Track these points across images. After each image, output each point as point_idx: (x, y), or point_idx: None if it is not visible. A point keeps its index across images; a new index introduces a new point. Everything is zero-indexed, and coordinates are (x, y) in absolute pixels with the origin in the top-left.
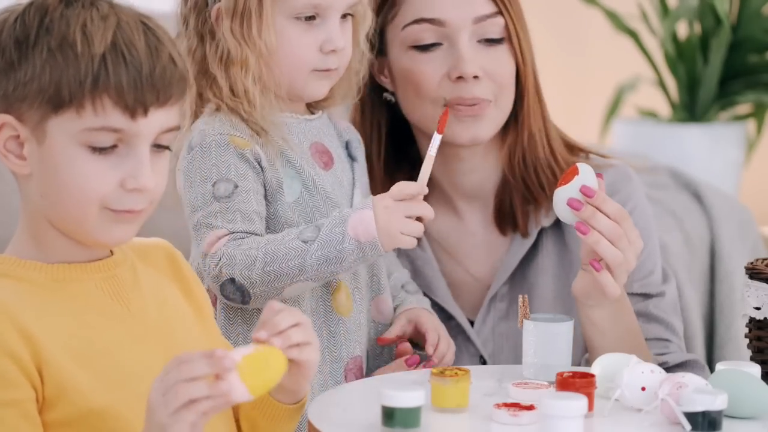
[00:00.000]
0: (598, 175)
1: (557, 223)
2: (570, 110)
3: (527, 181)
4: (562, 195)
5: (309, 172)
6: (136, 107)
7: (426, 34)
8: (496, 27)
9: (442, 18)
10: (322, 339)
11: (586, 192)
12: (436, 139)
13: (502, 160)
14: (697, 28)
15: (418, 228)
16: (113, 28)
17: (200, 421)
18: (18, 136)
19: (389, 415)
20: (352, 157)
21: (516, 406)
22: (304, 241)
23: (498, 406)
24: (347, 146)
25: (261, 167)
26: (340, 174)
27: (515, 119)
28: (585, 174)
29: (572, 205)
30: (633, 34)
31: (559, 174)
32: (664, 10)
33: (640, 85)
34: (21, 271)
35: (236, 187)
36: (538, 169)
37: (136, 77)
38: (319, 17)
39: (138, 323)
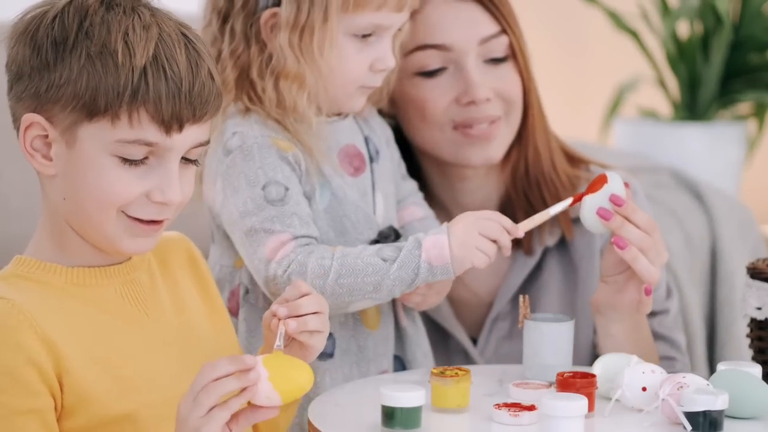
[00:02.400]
0: (625, 183)
1: (562, 242)
2: (570, 110)
3: (530, 197)
4: (590, 203)
5: (338, 180)
6: (172, 123)
7: (431, 59)
8: (500, 46)
9: (447, 43)
10: (351, 354)
11: (615, 201)
12: (564, 203)
13: (506, 177)
14: (698, 28)
15: (492, 248)
16: (155, 40)
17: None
18: (46, 136)
19: (389, 415)
20: (371, 156)
21: (516, 406)
22: (384, 260)
23: (498, 406)
24: (366, 142)
25: (300, 171)
26: (366, 179)
27: (519, 135)
28: (614, 182)
29: (602, 214)
30: (633, 34)
31: (561, 188)
32: (665, 9)
33: (640, 85)
34: (41, 274)
35: (287, 189)
36: (540, 184)
37: (176, 93)
38: (375, 35)
39: (156, 328)
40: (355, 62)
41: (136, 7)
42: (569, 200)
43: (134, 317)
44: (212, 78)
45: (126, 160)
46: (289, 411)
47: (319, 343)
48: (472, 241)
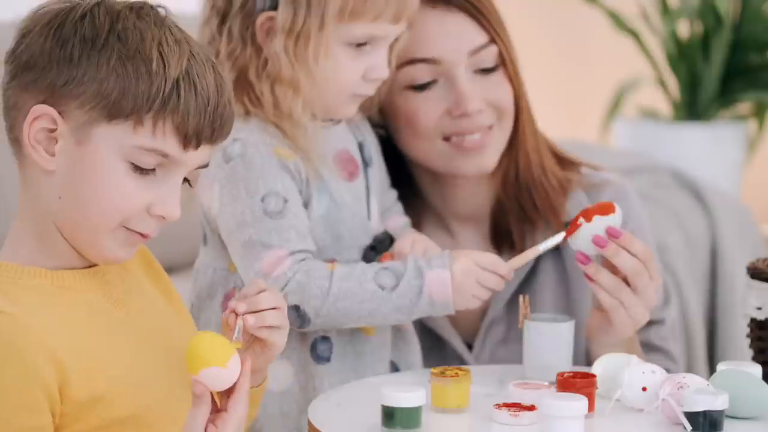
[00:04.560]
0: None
1: (556, 247)
2: (571, 110)
3: (521, 201)
4: (593, 226)
5: (336, 185)
6: (192, 139)
7: (421, 73)
8: (490, 56)
9: (437, 57)
10: (347, 359)
11: (612, 233)
12: (556, 238)
13: (497, 183)
14: (698, 28)
15: (487, 294)
16: (187, 56)
17: None
18: (52, 131)
19: (389, 415)
20: (365, 162)
21: (516, 406)
22: (381, 287)
23: (498, 406)
24: (360, 148)
25: (300, 179)
26: (361, 184)
27: (509, 141)
28: (619, 215)
29: (597, 242)
30: (634, 34)
31: (551, 192)
32: (665, 9)
33: (640, 85)
34: (27, 278)
35: (286, 201)
36: (531, 189)
37: (202, 110)
38: (370, 45)
39: (138, 328)
40: (348, 70)
41: (164, 21)
42: (561, 235)
43: (118, 318)
44: (230, 104)
45: (136, 168)
46: (254, 403)
47: (280, 340)
48: (470, 289)
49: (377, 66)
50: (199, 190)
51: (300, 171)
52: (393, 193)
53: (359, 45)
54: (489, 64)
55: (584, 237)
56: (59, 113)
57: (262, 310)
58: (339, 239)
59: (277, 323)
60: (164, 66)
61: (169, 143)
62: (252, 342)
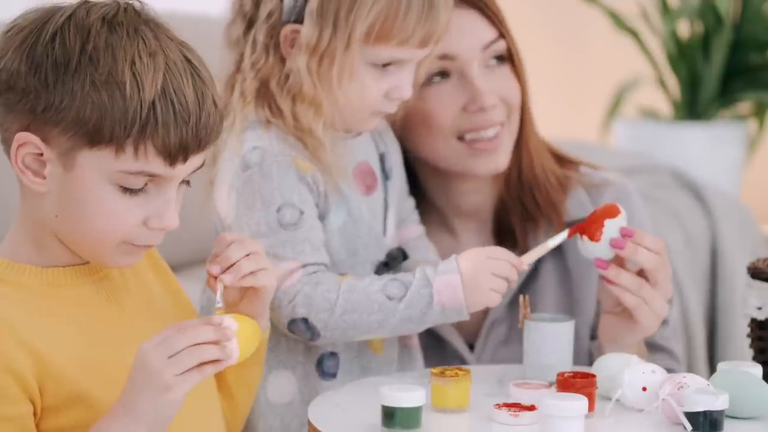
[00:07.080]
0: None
1: (557, 246)
2: (571, 110)
3: (523, 199)
4: (610, 228)
5: (354, 199)
6: (177, 155)
7: (434, 68)
8: (499, 50)
9: (451, 52)
10: (354, 375)
11: (627, 233)
12: (561, 235)
13: (500, 181)
14: (698, 27)
15: (504, 286)
16: (162, 71)
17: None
18: (40, 155)
19: (389, 415)
20: (386, 174)
21: (516, 406)
22: (389, 297)
23: (498, 406)
24: (382, 159)
25: (318, 191)
26: (378, 198)
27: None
28: (624, 216)
29: (616, 245)
30: (634, 33)
31: (551, 190)
32: (665, 8)
33: (640, 85)
34: (16, 275)
35: (302, 213)
36: (533, 187)
37: (183, 127)
38: (395, 65)
39: (133, 325)
40: (371, 90)
41: (138, 28)
42: (566, 232)
43: (112, 314)
44: (215, 105)
45: (125, 189)
46: (258, 361)
47: (266, 280)
48: (486, 282)
49: (401, 86)
50: (215, 195)
51: (318, 184)
52: (411, 202)
53: (384, 65)
54: (498, 60)
55: (601, 243)
56: (43, 140)
57: (236, 263)
58: (354, 253)
59: (255, 267)
60: (138, 89)
61: (154, 164)
62: (245, 293)
